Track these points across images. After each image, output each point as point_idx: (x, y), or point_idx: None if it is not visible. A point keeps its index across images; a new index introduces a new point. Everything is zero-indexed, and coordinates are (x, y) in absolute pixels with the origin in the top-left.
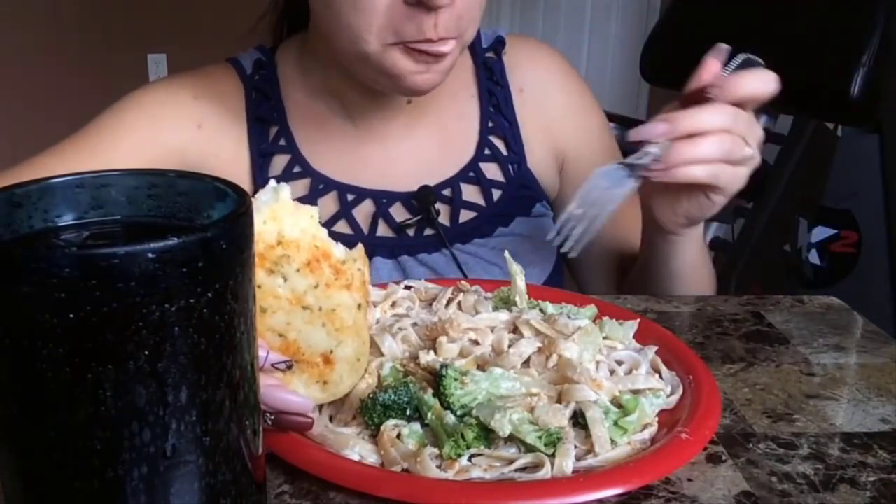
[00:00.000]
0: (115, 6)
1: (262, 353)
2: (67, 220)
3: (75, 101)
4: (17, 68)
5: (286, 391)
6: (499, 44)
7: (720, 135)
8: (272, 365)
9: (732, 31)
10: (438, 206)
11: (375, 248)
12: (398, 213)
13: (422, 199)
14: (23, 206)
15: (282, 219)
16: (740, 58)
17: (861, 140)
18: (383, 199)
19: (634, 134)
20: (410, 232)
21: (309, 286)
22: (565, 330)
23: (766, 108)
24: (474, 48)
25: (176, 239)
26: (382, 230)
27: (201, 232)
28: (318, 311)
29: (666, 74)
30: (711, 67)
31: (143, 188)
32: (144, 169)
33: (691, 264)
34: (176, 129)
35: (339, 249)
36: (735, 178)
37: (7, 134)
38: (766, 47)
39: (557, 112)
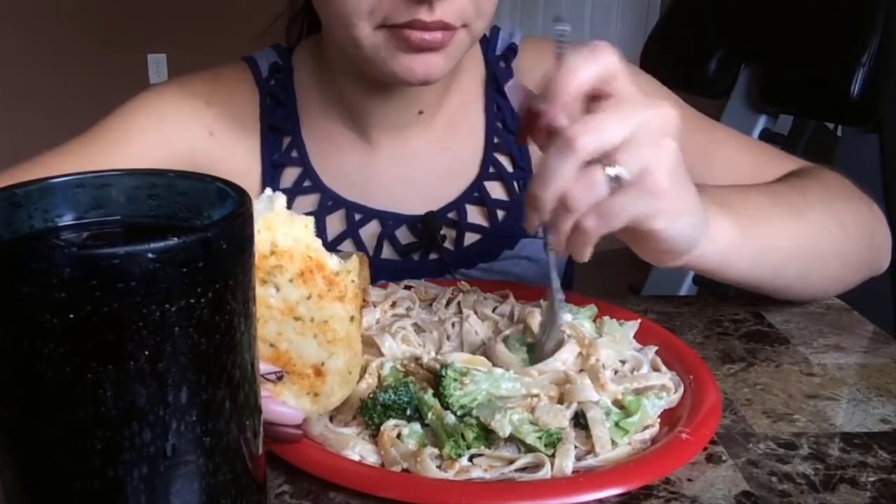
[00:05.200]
0: (115, 6)
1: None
2: (68, 220)
3: (75, 101)
4: (18, 68)
5: (276, 402)
6: (510, 51)
7: (567, 193)
8: (263, 375)
9: (732, 31)
10: (444, 230)
11: (380, 270)
12: (403, 235)
13: (427, 225)
14: (23, 205)
15: (276, 228)
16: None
17: (861, 140)
18: (390, 221)
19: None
20: (415, 256)
21: (301, 297)
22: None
23: (767, 109)
24: (487, 56)
25: (176, 239)
26: (387, 253)
27: (202, 232)
28: (311, 322)
29: (666, 74)
30: (520, 104)
31: (143, 188)
32: (145, 169)
33: (745, 268)
34: (187, 134)
35: (332, 261)
36: (635, 206)
37: (7, 134)
38: (765, 48)
39: None
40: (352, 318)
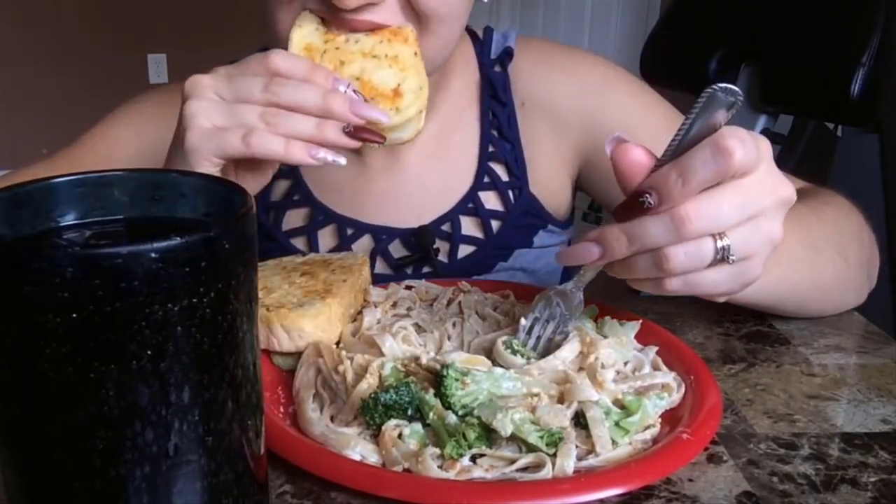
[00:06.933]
0: (115, 6)
1: (342, 87)
2: (70, 219)
3: (75, 101)
4: (18, 68)
5: (369, 106)
6: (506, 55)
7: (662, 251)
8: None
9: (732, 31)
10: (438, 242)
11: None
12: (397, 249)
13: (421, 239)
14: (25, 205)
15: None
16: (705, 95)
17: (861, 140)
18: (383, 236)
19: (564, 259)
20: (408, 270)
21: (375, 42)
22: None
23: (767, 109)
24: (481, 60)
25: (179, 238)
26: (380, 267)
27: (204, 231)
28: (384, 58)
29: (666, 74)
30: (637, 166)
31: (145, 188)
32: (146, 168)
33: (768, 295)
34: (168, 136)
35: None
36: (725, 285)
37: (7, 134)
38: (765, 48)
39: (568, 112)
40: (415, 54)
